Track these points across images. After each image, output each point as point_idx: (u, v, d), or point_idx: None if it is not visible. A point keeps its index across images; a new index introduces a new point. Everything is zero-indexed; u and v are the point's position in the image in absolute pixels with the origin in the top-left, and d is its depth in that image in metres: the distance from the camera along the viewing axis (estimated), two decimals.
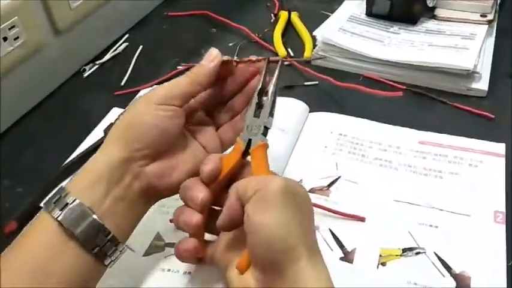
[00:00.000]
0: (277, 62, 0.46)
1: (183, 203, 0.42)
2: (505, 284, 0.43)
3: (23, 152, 0.61)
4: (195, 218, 0.41)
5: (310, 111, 0.62)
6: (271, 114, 0.43)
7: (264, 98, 0.44)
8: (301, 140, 0.58)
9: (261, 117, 0.43)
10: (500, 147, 0.56)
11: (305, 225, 0.36)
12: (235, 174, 0.43)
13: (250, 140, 0.42)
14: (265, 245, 0.35)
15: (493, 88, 0.65)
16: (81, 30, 0.71)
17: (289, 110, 0.62)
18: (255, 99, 0.44)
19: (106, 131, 0.60)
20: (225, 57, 0.46)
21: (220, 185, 0.42)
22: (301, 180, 0.53)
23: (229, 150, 0.45)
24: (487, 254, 0.46)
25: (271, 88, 0.44)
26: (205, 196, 0.41)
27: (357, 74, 0.68)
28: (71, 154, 0.59)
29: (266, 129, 0.43)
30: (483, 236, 0.47)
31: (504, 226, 0.48)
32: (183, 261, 0.44)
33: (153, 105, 0.41)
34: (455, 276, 0.44)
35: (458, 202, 0.50)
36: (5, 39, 0.59)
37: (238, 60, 0.47)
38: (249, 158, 0.42)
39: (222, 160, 0.42)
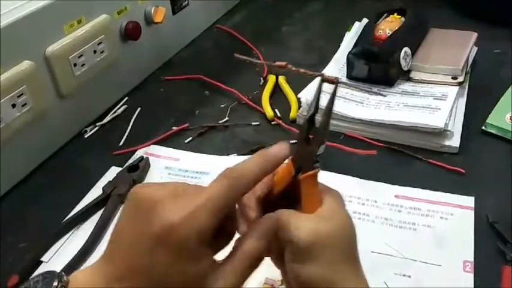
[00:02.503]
0: (332, 82, 0.42)
1: None
2: None
3: (27, 208, 0.65)
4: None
5: None
6: (322, 141, 0.41)
7: (317, 123, 0.41)
8: None
9: (313, 144, 0.41)
10: (470, 200, 0.60)
11: (337, 264, 0.39)
12: (290, 189, 0.43)
13: (300, 168, 0.41)
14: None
15: (465, 144, 0.70)
16: (83, 95, 0.77)
17: None
18: (305, 125, 0.42)
19: (104, 188, 0.65)
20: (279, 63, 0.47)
21: (274, 202, 0.43)
22: None
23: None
24: None
25: (323, 113, 0.41)
26: (255, 216, 0.42)
27: (338, 133, 0.74)
28: (71, 210, 0.63)
29: (318, 156, 0.41)
30: (453, 285, 0.51)
31: (472, 275, 0.52)
32: None
33: None
34: None
35: (430, 253, 0.54)
36: (13, 106, 0.64)
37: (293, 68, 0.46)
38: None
39: (275, 180, 0.43)
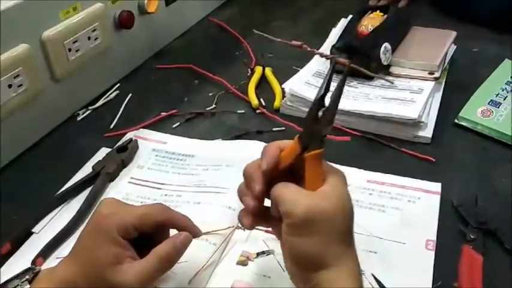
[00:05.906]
0: (344, 64, 0.45)
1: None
2: None
3: (20, 184, 0.69)
4: (252, 204, 0.46)
5: None
6: (331, 122, 0.43)
7: (326, 104, 0.44)
8: None
9: (321, 124, 0.43)
10: (437, 186, 0.64)
11: (330, 241, 0.41)
12: (294, 166, 0.46)
13: (306, 147, 0.44)
14: (294, 260, 0.43)
15: (437, 136, 0.74)
16: (77, 79, 0.80)
17: (256, 153, 0.70)
18: (315, 104, 0.44)
19: (94, 167, 0.68)
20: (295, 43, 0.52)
21: (279, 175, 0.45)
22: None
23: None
24: (417, 276, 0.53)
25: (333, 95, 0.43)
26: (260, 189, 0.46)
27: None
28: (62, 186, 0.67)
29: (323, 136, 0.43)
30: (415, 261, 0.55)
31: (433, 253, 0.56)
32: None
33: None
34: None
35: (396, 232, 0.58)
36: (9, 86, 0.68)
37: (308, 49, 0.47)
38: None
39: (280, 156, 0.46)
